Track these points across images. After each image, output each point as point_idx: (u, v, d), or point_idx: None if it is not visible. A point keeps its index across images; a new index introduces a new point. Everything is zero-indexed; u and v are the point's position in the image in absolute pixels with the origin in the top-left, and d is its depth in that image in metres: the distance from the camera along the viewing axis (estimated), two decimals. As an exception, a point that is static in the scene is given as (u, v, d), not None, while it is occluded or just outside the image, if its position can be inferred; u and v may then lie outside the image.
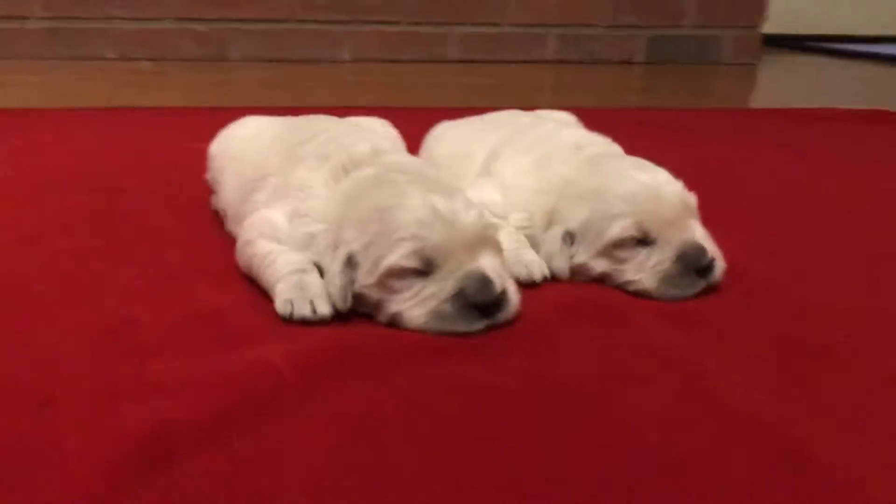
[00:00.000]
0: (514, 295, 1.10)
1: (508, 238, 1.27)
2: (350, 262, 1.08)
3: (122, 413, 0.84)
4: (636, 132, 2.38)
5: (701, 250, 1.18)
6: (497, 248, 1.12)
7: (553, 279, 1.24)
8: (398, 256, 1.05)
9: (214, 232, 1.45)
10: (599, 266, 1.22)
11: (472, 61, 4.08)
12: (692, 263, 1.17)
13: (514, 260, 1.23)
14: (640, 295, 1.20)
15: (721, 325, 1.13)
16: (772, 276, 1.31)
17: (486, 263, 1.08)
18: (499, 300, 1.07)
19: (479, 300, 1.05)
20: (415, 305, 1.06)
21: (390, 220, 1.06)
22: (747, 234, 1.51)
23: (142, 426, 0.80)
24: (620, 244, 1.20)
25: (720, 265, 1.21)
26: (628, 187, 1.21)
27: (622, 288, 1.22)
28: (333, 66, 3.89)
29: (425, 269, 1.05)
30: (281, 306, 1.09)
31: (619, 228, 1.18)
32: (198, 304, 1.14)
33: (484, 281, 1.05)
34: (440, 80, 3.69)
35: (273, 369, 0.95)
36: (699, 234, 1.21)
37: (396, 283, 1.06)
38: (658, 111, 3.01)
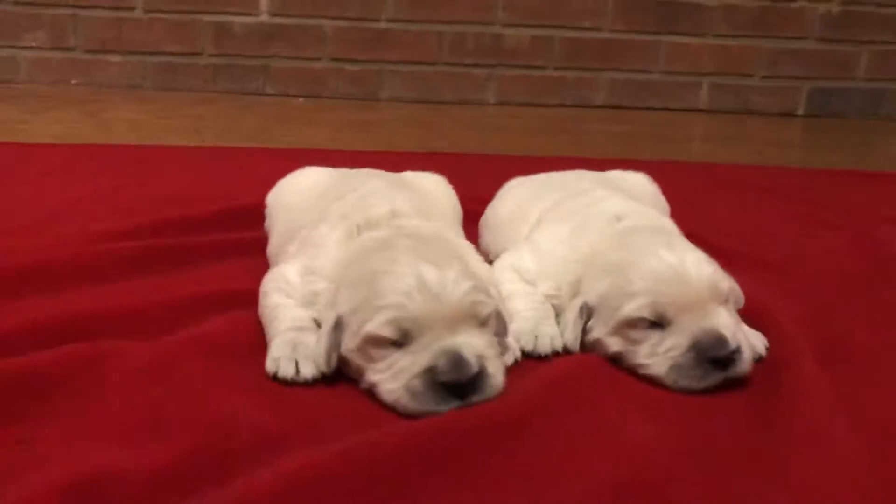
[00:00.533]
0: (494, 375, 1.02)
1: (532, 307, 1.23)
2: (338, 325, 1.06)
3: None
4: (790, 191, 2.23)
5: (719, 340, 1.08)
6: (485, 325, 1.05)
7: (567, 352, 1.18)
8: (376, 324, 1.02)
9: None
10: (614, 345, 1.15)
11: (619, 107, 3.99)
12: (706, 353, 1.07)
13: (528, 331, 1.18)
14: (653, 381, 1.11)
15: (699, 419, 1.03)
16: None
17: (466, 340, 1.01)
18: (472, 380, 0.99)
19: (450, 379, 0.98)
20: (388, 378, 1.02)
21: (376, 286, 1.04)
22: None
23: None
24: (633, 324, 1.12)
25: (747, 357, 1.10)
26: (650, 265, 1.13)
27: (634, 371, 1.13)
28: (478, 108, 3.92)
29: (402, 340, 1.01)
30: (268, 364, 1.09)
31: (632, 307, 1.11)
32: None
33: (456, 359, 0.99)
34: (584, 126, 3.63)
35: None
36: (723, 321, 1.10)
37: (375, 352, 1.03)
38: (818, 171, 2.81)
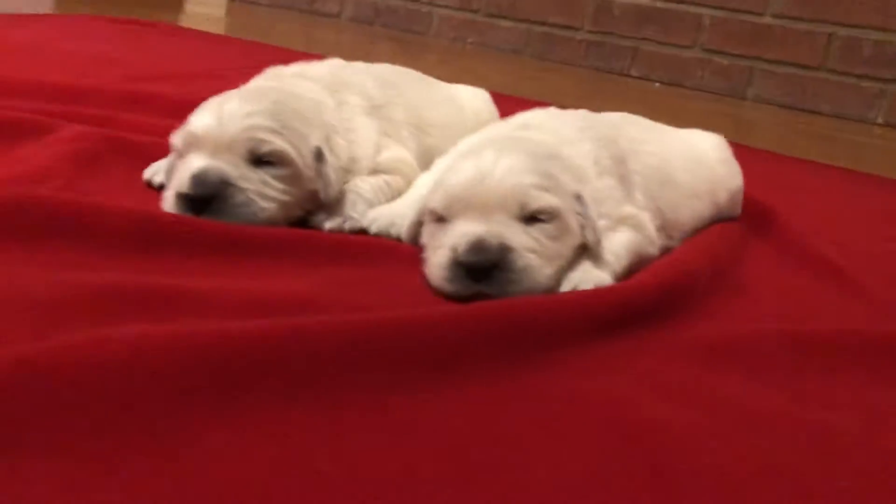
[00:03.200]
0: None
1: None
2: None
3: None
4: None
5: (472, 246, 0.99)
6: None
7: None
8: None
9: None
10: (423, 235, 1.11)
11: None
12: (457, 257, 0.99)
13: (383, 214, 1.21)
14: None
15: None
16: None
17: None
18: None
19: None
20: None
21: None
22: None
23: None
24: (430, 216, 1.07)
25: (526, 285, 1.00)
26: (467, 162, 1.07)
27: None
28: (859, 126, 3.41)
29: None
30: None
31: (432, 198, 1.08)
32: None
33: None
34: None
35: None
36: (498, 231, 0.99)
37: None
38: None
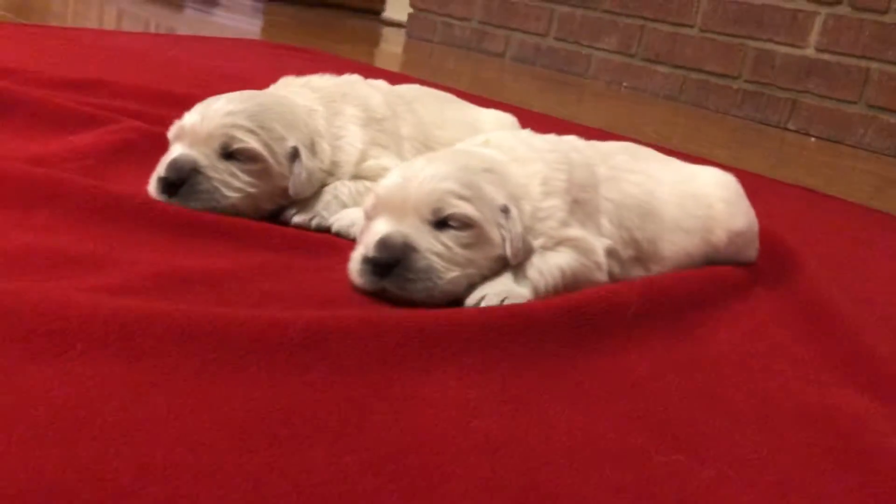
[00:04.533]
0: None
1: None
2: None
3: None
4: None
5: (377, 243, 1.06)
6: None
7: None
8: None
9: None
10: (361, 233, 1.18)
11: None
12: (365, 252, 1.06)
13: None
14: None
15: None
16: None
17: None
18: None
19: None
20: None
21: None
22: None
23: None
24: (364, 216, 1.14)
25: (425, 283, 1.05)
26: (400, 168, 1.16)
27: None
28: None
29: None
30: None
31: (367, 199, 1.14)
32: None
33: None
34: None
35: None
36: (404, 232, 1.06)
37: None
38: None
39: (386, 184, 1.12)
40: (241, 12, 4.94)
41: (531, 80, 4.19)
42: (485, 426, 0.81)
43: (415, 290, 1.06)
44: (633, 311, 1.13)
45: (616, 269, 1.25)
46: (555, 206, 1.18)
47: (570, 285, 1.17)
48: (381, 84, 1.56)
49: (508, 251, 1.11)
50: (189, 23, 4.48)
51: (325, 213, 1.31)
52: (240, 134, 1.24)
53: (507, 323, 1.01)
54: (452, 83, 3.12)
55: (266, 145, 1.25)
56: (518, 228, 1.11)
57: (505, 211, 1.11)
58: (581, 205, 1.21)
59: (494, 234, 1.10)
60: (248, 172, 1.25)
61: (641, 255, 1.28)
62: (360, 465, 0.71)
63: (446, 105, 1.65)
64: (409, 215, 1.08)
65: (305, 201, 1.32)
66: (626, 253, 1.25)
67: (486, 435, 0.80)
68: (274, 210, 1.31)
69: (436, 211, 1.08)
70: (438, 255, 1.07)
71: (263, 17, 5.23)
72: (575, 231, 1.19)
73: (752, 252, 1.46)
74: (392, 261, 1.05)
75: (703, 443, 0.87)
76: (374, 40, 5.02)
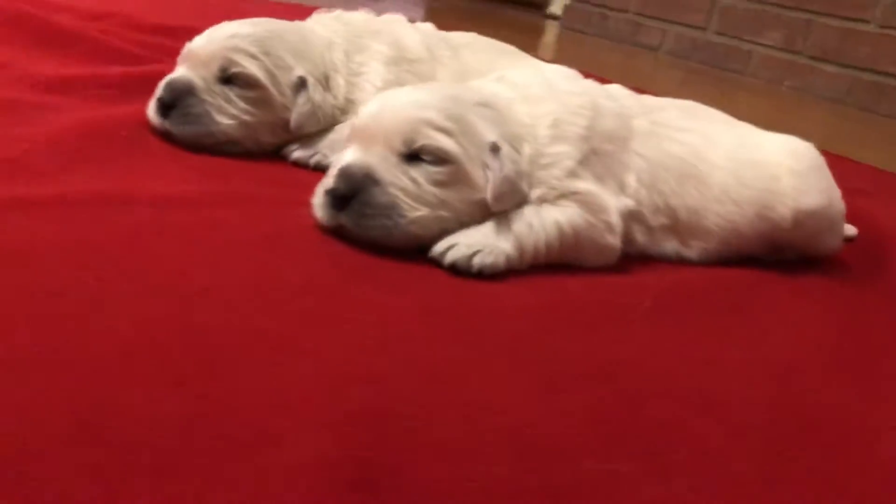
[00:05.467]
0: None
1: None
2: None
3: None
4: None
5: (337, 174, 0.95)
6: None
7: None
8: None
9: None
10: None
11: None
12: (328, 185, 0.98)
13: None
14: None
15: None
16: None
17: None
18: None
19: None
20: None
21: None
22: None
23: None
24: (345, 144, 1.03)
25: (382, 212, 0.95)
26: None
27: None
28: None
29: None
30: None
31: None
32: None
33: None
34: None
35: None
36: (368, 162, 0.94)
37: None
38: None
39: (364, 111, 1.03)
40: (407, 3, 4.98)
41: (685, 74, 3.92)
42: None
43: (372, 227, 0.95)
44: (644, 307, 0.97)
45: (640, 237, 1.10)
46: (563, 152, 1.04)
47: (571, 246, 1.03)
48: (427, 27, 1.46)
49: (489, 194, 0.98)
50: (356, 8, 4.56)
51: (327, 152, 1.24)
52: (239, 57, 1.19)
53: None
54: (606, 73, 2.96)
55: (268, 72, 1.20)
56: (507, 170, 0.98)
57: (494, 150, 0.98)
58: (601, 157, 1.06)
59: (477, 174, 0.98)
60: (246, 99, 1.20)
61: (677, 226, 1.12)
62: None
63: (502, 56, 1.52)
64: (380, 145, 0.97)
65: (310, 137, 1.25)
66: (656, 220, 1.10)
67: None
68: (278, 145, 1.26)
69: (407, 141, 0.97)
70: (404, 190, 0.96)
71: (425, 4, 5.28)
72: (584, 184, 1.04)
73: (830, 240, 1.23)
74: (349, 192, 0.95)
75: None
76: (531, 31, 4.90)
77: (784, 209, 1.15)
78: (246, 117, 1.20)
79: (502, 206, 0.99)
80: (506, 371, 0.75)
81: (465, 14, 4.98)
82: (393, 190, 0.95)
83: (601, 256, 1.05)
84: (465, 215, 0.99)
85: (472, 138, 0.97)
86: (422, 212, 0.96)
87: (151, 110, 1.22)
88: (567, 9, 4.98)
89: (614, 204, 1.04)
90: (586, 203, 1.03)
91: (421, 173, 0.96)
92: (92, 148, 1.12)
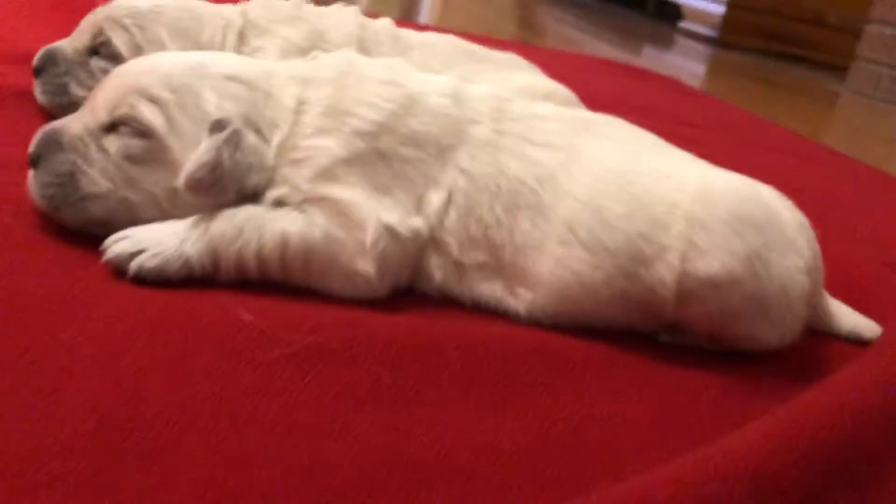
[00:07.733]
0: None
1: None
2: None
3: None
4: None
5: (35, 138, 0.83)
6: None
7: None
8: None
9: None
10: None
11: None
12: None
13: None
14: None
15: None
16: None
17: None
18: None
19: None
20: None
21: None
22: None
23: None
24: None
25: (60, 180, 0.81)
26: None
27: None
28: None
29: None
30: None
31: None
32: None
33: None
34: None
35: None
36: (76, 129, 0.83)
37: None
38: None
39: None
40: (692, 57, 4.40)
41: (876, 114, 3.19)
42: None
43: (47, 197, 0.81)
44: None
45: (438, 273, 0.86)
46: (321, 147, 0.82)
47: (301, 266, 0.81)
48: (384, 22, 1.28)
49: (181, 178, 0.79)
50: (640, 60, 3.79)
51: None
52: (108, 27, 1.12)
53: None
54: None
55: (136, 46, 1.12)
56: (216, 154, 0.79)
57: (214, 129, 0.80)
58: (391, 162, 0.83)
59: (182, 156, 0.80)
60: (104, 72, 1.09)
61: (501, 266, 0.85)
62: None
63: (470, 63, 1.28)
64: (92, 112, 0.84)
65: None
66: (468, 256, 0.85)
67: None
68: None
69: (112, 109, 0.83)
70: (86, 159, 0.82)
71: (708, 62, 4.52)
72: (339, 190, 0.81)
73: (760, 329, 0.85)
74: (35, 157, 0.83)
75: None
76: (816, 96, 3.97)
77: (664, 270, 0.82)
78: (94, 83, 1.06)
79: (202, 199, 0.80)
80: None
81: (746, 72, 4.18)
82: (73, 156, 0.81)
83: (350, 285, 0.81)
84: (167, 203, 0.82)
85: (195, 114, 0.81)
86: (99, 188, 0.81)
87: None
88: (854, 69, 3.81)
89: (374, 220, 0.80)
90: (337, 214, 0.81)
91: (114, 144, 0.82)
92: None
